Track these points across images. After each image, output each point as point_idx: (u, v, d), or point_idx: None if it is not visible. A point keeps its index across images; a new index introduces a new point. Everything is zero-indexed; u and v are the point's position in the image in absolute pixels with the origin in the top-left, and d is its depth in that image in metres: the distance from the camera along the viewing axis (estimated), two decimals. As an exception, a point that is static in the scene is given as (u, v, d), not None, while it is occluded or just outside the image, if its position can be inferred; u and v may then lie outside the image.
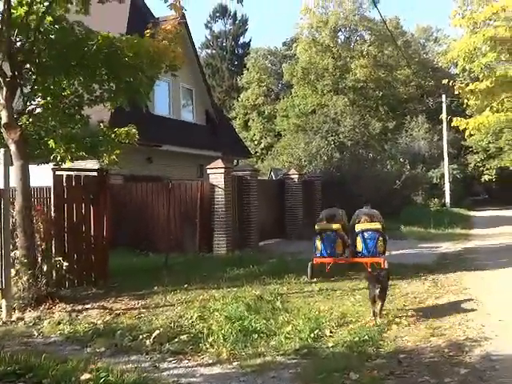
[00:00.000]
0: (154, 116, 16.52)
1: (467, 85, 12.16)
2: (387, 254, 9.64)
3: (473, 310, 6.44)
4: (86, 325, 5.99)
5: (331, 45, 37.11)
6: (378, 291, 5.86)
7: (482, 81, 11.82)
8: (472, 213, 29.89)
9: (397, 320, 5.99)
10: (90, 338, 5.50)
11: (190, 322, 6.03)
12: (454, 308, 6.55)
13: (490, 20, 13.01)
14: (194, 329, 5.73)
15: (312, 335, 5.41)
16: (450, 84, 12.95)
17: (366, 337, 5.29)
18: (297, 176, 15.99)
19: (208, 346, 5.13)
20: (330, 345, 5.16)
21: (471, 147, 35.20)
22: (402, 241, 14.19)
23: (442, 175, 32.35)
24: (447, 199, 30.62)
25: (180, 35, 9.68)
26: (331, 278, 8.86)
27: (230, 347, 5.03)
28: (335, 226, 9.41)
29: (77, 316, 6.51)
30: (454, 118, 13.45)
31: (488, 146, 33.48)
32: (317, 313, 6.33)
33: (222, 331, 5.40)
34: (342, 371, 4.38)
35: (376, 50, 37.36)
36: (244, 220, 12.96)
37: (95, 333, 5.66)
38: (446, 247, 13.28)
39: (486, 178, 36.40)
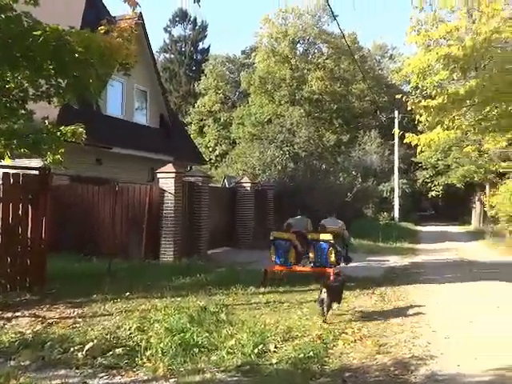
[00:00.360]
0: (105, 116, 15.98)
1: (419, 101, 12.34)
2: (342, 264, 9.71)
3: (419, 326, 6.39)
4: (13, 334, 5.52)
5: (289, 56, 37.37)
6: (324, 295, 6.45)
7: (434, 98, 12.02)
8: (419, 227, 30.64)
9: (343, 336, 5.86)
10: (15, 350, 5.05)
11: (128, 333, 5.66)
12: (401, 324, 6.49)
13: (444, 39, 13.32)
14: (132, 341, 5.38)
15: (256, 350, 5.18)
16: (404, 99, 13.13)
17: (312, 353, 5.12)
18: (249, 184, 15.82)
19: (145, 360, 4.81)
20: (274, 361, 4.95)
21: (421, 163, 36.10)
22: (351, 254, 14.18)
23: (392, 189, 33.05)
24: (396, 213, 31.24)
25: (136, 35, 9.33)
26: (281, 287, 8.71)
27: (167, 362, 4.73)
28: (287, 235, 9.35)
29: (4, 324, 6.01)
30: (407, 134, 13.62)
31: (437, 162, 34.41)
32: (262, 326, 6.11)
33: (161, 344, 5.10)
34: (286, 391, 4.18)
35: (333, 63, 37.92)
36: (193, 227, 12.65)
37: (22, 344, 5.20)
38: (394, 261, 13.41)
39: (434, 193, 37.40)
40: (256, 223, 15.75)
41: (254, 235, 15.36)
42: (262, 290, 8.58)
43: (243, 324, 6.16)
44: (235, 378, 4.51)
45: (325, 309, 6.40)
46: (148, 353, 4.93)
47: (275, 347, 5.39)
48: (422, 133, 15.73)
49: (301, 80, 36.95)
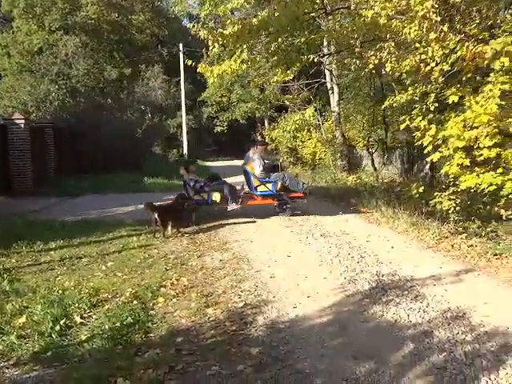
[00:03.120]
0: None
1: (217, 29, 11.59)
2: None
3: (240, 268, 5.89)
4: None
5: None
6: (156, 216, 7.69)
7: (230, 26, 11.39)
8: (207, 163, 30.97)
9: (162, 290, 5.03)
10: None
11: None
12: (221, 268, 5.91)
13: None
14: None
15: (57, 327, 4.04)
16: (195, 29, 12.27)
17: (130, 319, 4.19)
18: (23, 121, 13.41)
19: None
20: (84, 338, 3.90)
21: (206, 102, 36.25)
22: (148, 194, 13.29)
23: (179, 125, 32.53)
24: (185, 150, 30.98)
25: None
26: (76, 237, 7.45)
27: None
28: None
29: None
30: (200, 64, 12.81)
31: (221, 99, 34.86)
32: (61, 292, 4.93)
33: None
34: (107, 379, 3.21)
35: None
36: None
37: None
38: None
39: (219, 129, 38.15)
40: (36, 165, 13.62)
41: (32, 179, 13.28)
42: (52, 244, 7.19)
43: (35, 293, 4.91)
44: (34, 374, 3.36)
45: (157, 228, 7.72)
46: None
47: (82, 318, 4.32)
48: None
49: (75, 4, 33.04)
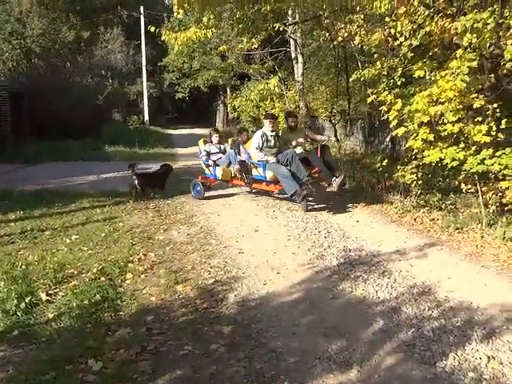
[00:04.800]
0: None
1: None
2: None
3: (208, 242, 5.85)
4: None
5: None
6: (136, 182, 8.35)
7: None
8: (169, 131, 30.45)
9: (130, 266, 4.95)
10: None
11: None
12: (189, 242, 5.86)
13: None
14: None
15: (22, 305, 3.95)
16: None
17: (98, 296, 4.12)
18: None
19: None
20: (51, 316, 3.82)
21: (167, 67, 35.34)
22: (110, 163, 13.00)
23: (139, 92, 31.71)
24: (146, 117, 30.29)
25: None
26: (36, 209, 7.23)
27: None
28: None
29: None
30: (164, 31, 12.43)
31: (182, 66, 34.04)
32: (24, 267, 4.81)
33: None
34: (78, 360, 3.16)
35: None
36: None
37: None
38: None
39: (180, 96, 37.38)
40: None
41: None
42: (12, 215, 6.96)
43: (-4, 268, 4.75)
44: (0, 354, 3.28)
45: (134, 192, 8.26)
46: None
47: (48, 295, 4.22)
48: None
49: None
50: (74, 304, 3.99)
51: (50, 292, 4.30)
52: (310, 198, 7.74)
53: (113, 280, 4.57)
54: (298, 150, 7.85)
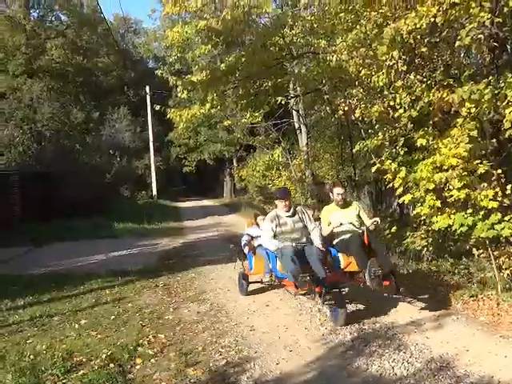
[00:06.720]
0: None
1: (188, 78, 11.73)
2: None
3: (219, 320, 5.75)
4: None
5: (24, 21, 32.85)
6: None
7: (198, 73, 11.51)
8: (177, 204, 30.72)
9: (140, 350, 4.84)
10: None
11: None
12: (199, 321, 5.75)
13: (201, 11, 12.85)
14: None
15: (30, 398, 3.85)
16: (163, 75, 12.38)
17: (107, 385, 4.02)
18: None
19: None
20: (60, 409, 3.71)
21: (173, 142, 36.36)
22: (117, 240, 13.04)
23: (147, 167, 32.38)
24: (154, 191, 30.71)
25: None
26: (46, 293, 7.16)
27: None
28: None
29: None
30: (170, 110, 12.86)
31: (188, 141, 35.04)
32: (32, 357, 4.71)
33: None
34: None
35: (74, 33, 34.81)
36: None
37: None
38: (166, 243, 12.73)
39: (187, 169, 38.13)
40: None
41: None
42: (20, 302, 6.91)
43: (3, 359, 4.66)
44: None
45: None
46: None
47: (56, 386, 4.11)
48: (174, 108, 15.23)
49: (39, 49, 32.94)
50: (83, 395, 3.87)
51: (58, 382, 4.19)
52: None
53: (122, 366, 4.45)
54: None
